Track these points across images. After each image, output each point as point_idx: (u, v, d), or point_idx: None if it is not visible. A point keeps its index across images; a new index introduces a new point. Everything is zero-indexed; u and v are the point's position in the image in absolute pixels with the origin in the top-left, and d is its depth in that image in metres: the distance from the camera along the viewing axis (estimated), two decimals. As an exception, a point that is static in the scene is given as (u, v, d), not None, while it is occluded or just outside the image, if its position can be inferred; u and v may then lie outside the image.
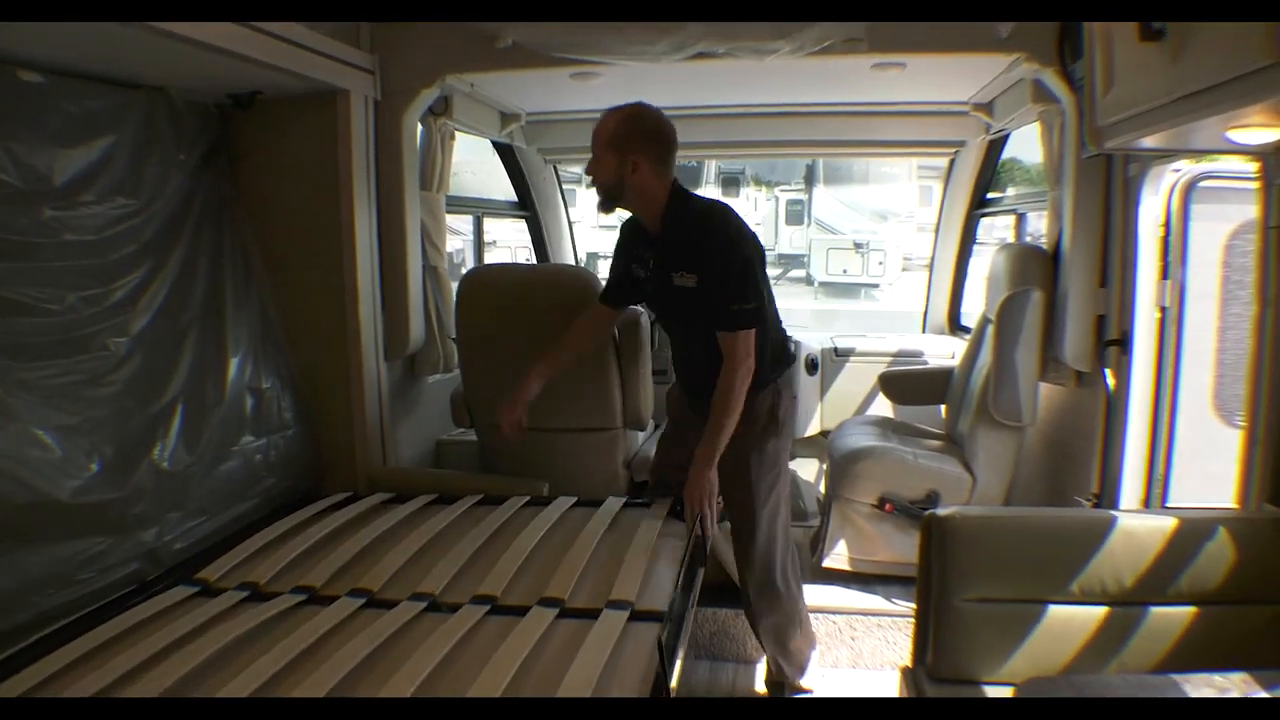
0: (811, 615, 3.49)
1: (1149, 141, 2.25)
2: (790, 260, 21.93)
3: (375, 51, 3.51)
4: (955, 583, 2.27)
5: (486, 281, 3.74)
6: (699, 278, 2.85)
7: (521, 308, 3.49)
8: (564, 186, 5.74)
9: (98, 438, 2.61)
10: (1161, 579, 2.26)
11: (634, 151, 2.84)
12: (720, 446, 2.85)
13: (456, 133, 4.08)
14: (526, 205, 5.45)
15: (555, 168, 5.51)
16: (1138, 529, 2.27)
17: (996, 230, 6.11)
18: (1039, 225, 4.57)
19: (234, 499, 3.12)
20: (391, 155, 3.58)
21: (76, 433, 2.54)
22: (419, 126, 3.78)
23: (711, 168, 19.48)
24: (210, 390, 3.10)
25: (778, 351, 3.11)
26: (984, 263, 4.40)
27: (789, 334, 4.87)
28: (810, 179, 20.39)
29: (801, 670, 3.29)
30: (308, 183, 3.40)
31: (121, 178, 2.82)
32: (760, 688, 3.45)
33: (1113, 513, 2.45)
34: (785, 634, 3.20)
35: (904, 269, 19.24)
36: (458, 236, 5.34)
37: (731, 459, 2.94)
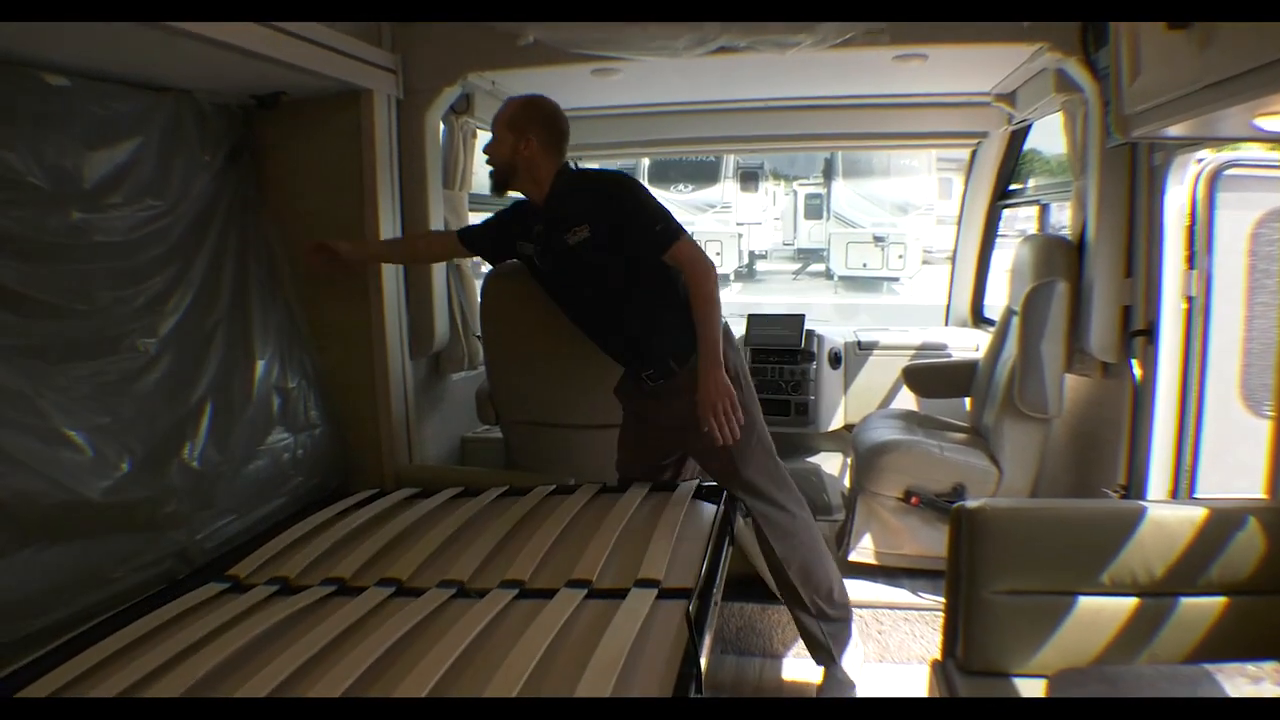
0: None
1: (1175, 130, 2.23)
2: (810, 254, 21.87)
3: (397, 51, 3.53)
4: (985, 575, 2.27)
5: (511, 278, 3.74)
6: (590, 226, 2.94)
7: (545, 305, 3.50)
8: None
9: (128, 438, 2.64)
10: (1192, 569, 2.25)
11: (529, 131, 3.00)
12: (718, 344, 2.90)
13: (479, 130, 4.09)
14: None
15: (575, 163, 5.51)
16: (1168, 519, 2.26)
17: (1017, 222, 6.08)
18: (1061, 216, 4.56)
19: (263, 497, 3.15)
20: (414, 154, 3.61)
21: (107, 433, 2.57)
22: (441, 125, 3.79)
23: (730, 162, 19.44)
24: (238, 390, 3.13)
25: (690, 312, 3.04)
26: (1006, 255, 4.38)
27: (812, 329, 4.90)
28: (829, 172, 20.27)
29: (845, 616, 3.27)
30: (331, 182, 3.43)
31: (149, 179, 2.85)
32: (789, 675, 3.45)
33: (1142, 503, 2.44)
34: (812, 570, 3.19)
35: (924, 262, 19.14)
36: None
37: (698, 436, 2.96)
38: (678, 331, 2.98)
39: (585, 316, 3.17)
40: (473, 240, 3.39)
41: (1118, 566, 2.24)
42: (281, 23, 2.78)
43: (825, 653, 3.23)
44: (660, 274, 3.00)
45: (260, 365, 3.24)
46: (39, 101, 2.48)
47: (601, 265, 2.97)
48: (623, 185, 3.01)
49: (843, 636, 3.25)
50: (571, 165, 3.13)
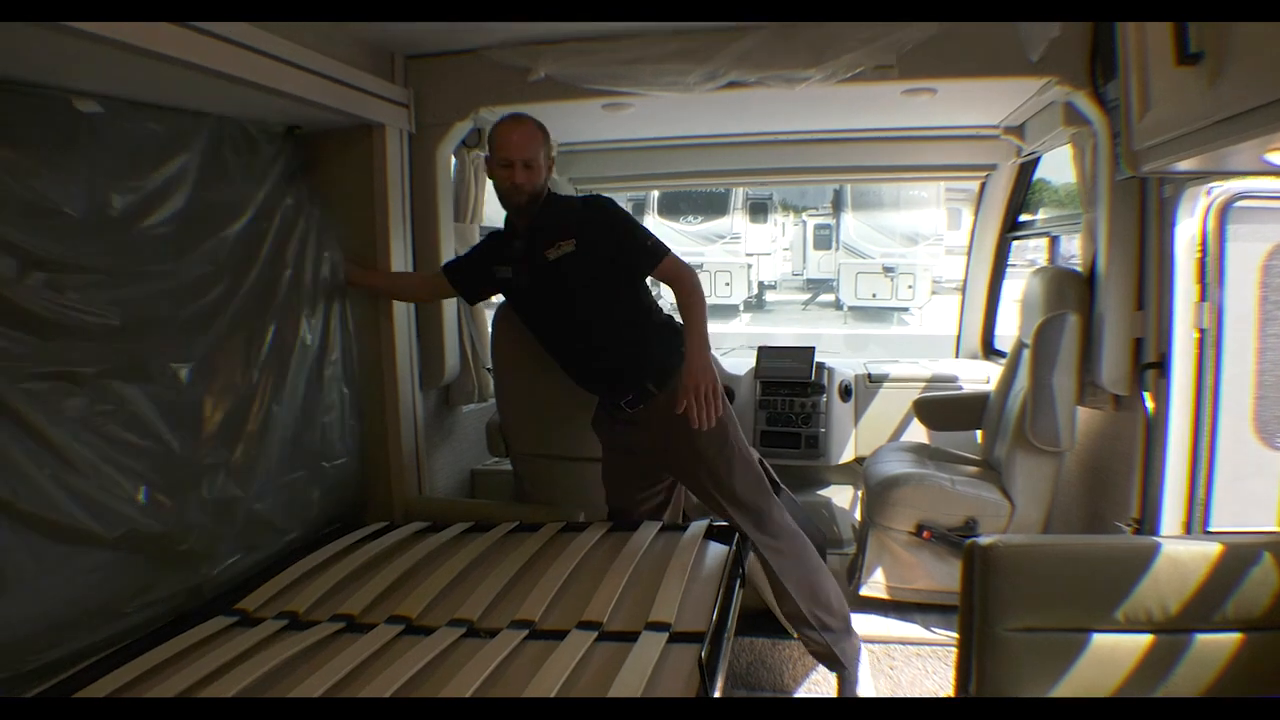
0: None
1: (1185, 164, 2.24)
2: (819, 285, 21.85)
3: (409, 85, 3.57)
4: (998, 612, 2.25)
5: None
6: (577, 241, 3.00)
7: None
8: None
9: (149, 469, 2.61)
10: (1207, 605, 2.22)
11: (549, 152, 3.10)
12: (706, 333, 2.96)
13: (490, 164, 4.12)
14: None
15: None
16: (1182, 555, 2.24)
17: (1026, 252, 6.08)
18: (1070, 247, 4.56)
19: (279, 531, 3.13)
20: (426, 187, 3.64)
21: (129, 462, 2.55)
22: (453, 159, 3.82)
23: (739, 193, 19.50)
24: (273, 419, 3.11)
25: (666, 334, 3.16)
26: (1015, 286, 4.38)
27: (822, 361, 4.90)
28: (838, 203, 20.30)
29: (846, 626, 3.30)
30: (344, 215, 3.44)
31: (192, 202, 2.83)
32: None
33: (1157, 539, 2.42)
34: (807, 581, 3.23)
35: (933, 292, 19.13)
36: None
37: (683, 450, 3.04)
38: (654, 354, 3.07)
39: (562, 341, 3.20)
40: (456, 276, 3.41)
41: (1132, 603, 2.22)
42: (295, 58, 2.82)
43: (836, 662, 3.26)
44: (635, 297, 3.12)
45: (299, 395, 3.23)
46: (71, 125, 2.47)
47: (581, 282, 3.04)
48: (611, 204, 3.08)
49: (850, 648, 3.27)
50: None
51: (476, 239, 4.05)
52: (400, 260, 3.53)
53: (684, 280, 3.02)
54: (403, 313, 3.58)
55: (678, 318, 3.16)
